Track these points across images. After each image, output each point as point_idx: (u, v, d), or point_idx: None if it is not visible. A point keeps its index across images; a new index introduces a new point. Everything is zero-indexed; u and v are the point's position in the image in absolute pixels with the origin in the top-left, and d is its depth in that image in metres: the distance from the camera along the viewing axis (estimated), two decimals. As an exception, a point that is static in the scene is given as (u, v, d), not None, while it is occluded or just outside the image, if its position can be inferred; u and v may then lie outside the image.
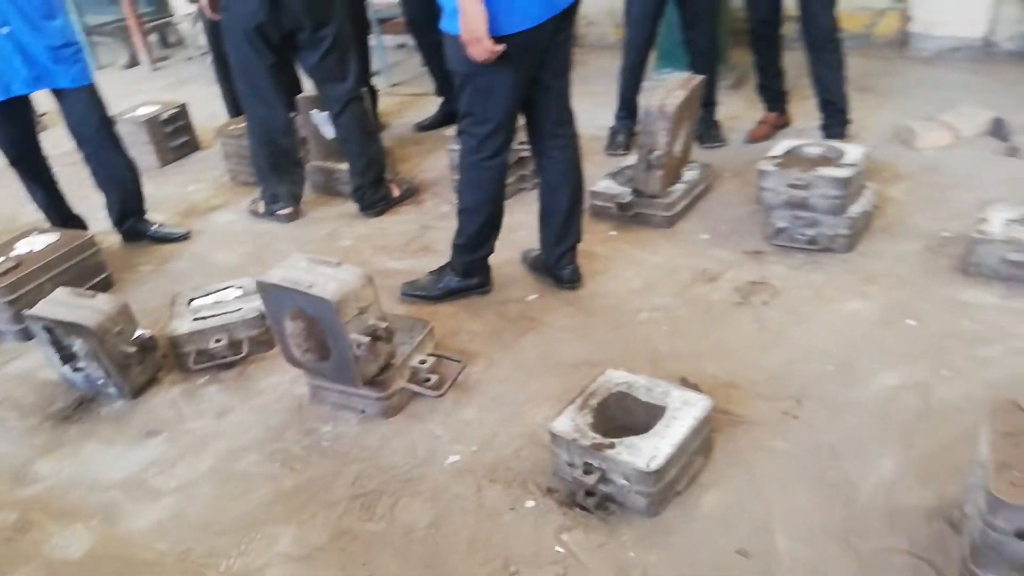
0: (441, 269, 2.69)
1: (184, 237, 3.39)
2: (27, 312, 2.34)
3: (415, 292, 2.70)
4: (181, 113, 4.39)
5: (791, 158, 2.75)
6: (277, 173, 3.37)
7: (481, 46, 2.09)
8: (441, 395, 2.17)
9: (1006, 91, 3.81)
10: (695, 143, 3.38)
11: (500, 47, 2.11)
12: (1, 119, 2.99)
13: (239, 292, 2.60)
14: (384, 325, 2.08)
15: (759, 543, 1.65)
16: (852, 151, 2.72)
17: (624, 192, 2.99)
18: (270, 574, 1.74)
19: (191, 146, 4.43)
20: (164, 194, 3.83)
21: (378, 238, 3.19)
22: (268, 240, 3.30)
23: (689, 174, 3.09)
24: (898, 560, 1.58)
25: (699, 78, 2.99)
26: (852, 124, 3.38)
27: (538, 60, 2.30)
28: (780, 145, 2.83)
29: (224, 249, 3.29)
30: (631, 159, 3.11)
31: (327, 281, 1.99)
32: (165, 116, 4.27)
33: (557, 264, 2.64)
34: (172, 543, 1.85)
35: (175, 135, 4.34)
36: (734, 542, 1.66)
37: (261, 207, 3.48)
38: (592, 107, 4.13)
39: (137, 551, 1.85)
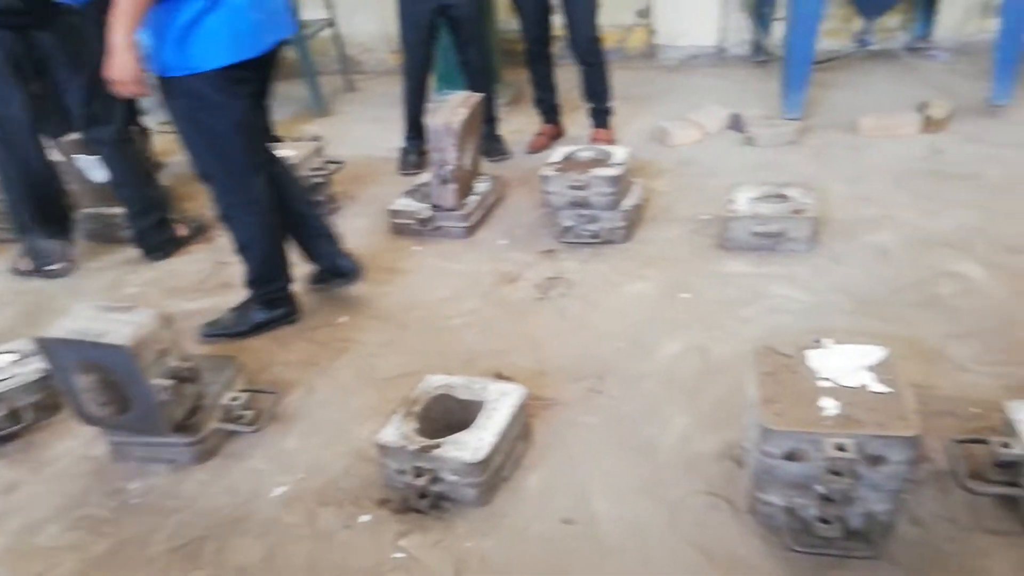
0: (244, 304, 2.62)
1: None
2: None
3: (218, 332, 2.60)
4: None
5: (568, 163, 3.00)
6: (42, 224, 3.09)
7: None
8: (258, 430, 2.12)
9: (739, 90, 4.40)
10: (482, 157, 3.56)
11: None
12: None
13: (13, 357, 2.36)
14: (188, 366, 2.00)
15: (581, 510, 1.80)
16: (618, 152, 3.02)
17: (423, 208, 3.09)
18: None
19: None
20: None
21: (169, 280, 3.03)
22: (39, 298, 3.01)
23: (481, 186, 3.25)
24: (698, 501, 1.79)
25: (478, 96, 3.17)
26: (613, 118, 3.77)
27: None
28: (557, 152, 3.08)
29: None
30: (425, 176, 3.22)
31: (120, 327, 1.88)
32: None
33: (336, 264, 2.68)
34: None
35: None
36: (559, 513, 1.79)
37: (27, 264, 3.17)
38: (381, 131, 4.24)
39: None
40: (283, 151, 3.25)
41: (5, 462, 2.16)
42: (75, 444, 2.18)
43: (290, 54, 4.61)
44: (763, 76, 4.57)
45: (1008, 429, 1.71)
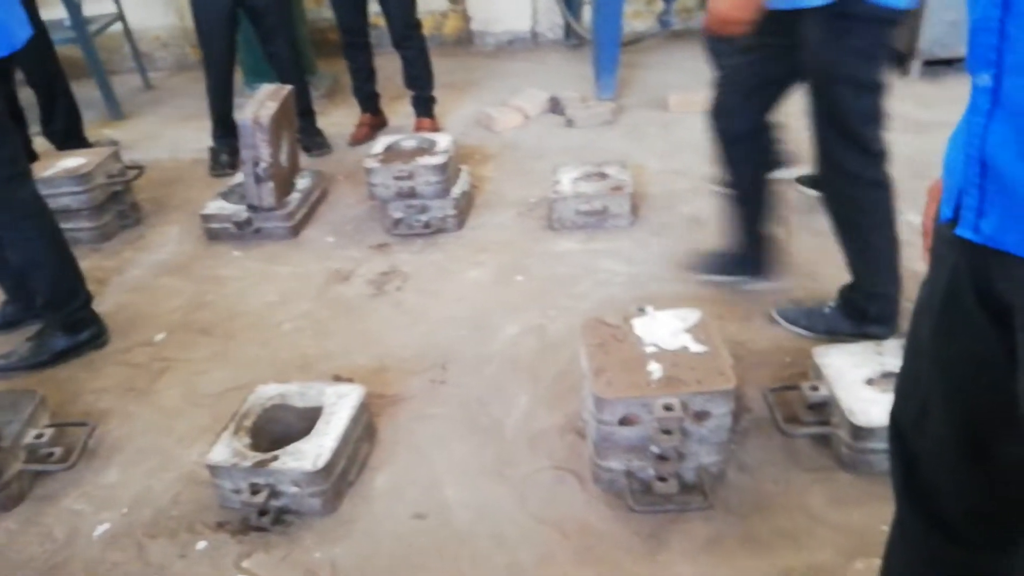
0: (41, 332, 2.36)
1: None
2: None
3: (14, 365, 2.32)
4: None
5: (392, 153, 2.95)
6: None
7: None
8: (71, 466, 1.92)
9: (555, 73, 4.52)
10: (302, 153, 3.43)
11: None
12: None
13: None
14: (-23, 406, 1.77)
15: (432, 502, 1.78)
16: (442, 139, 3.01)
17: (239, 210, 2.92)
18: None
19: None
20: None
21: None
22: None
23: (302, 182, 3.13)
24: (546, 476, 1.83)
25: (288, 88, 3.03)
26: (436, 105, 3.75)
27: None
28: (380, 143, 3.02)
29: None
30: (239, 176, 3.04)
31: None
32: None
33: None
34: None
35: None
36: (410, 509, 1.77)
37: None
38: (188, 131, 3.97)
39: None
40: (68, 163, 2.96)
41: None
42: None
43: (75, 53, 4.20)
44: (577, 59, 4.72)
45: (816, 373, 1.89)
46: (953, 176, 0.84)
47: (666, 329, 1.78)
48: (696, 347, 1.73)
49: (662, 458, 1.68)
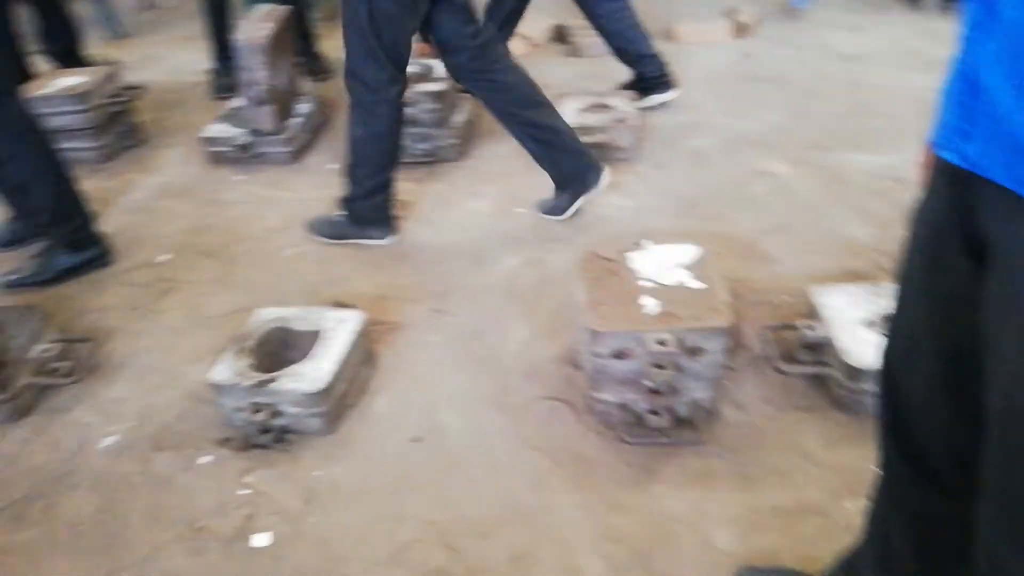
0: (47, 250, 2.38)
1: None
2: None
3: (20, 281, 2.36)
4: None
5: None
6: None
7: None
8: (77, 381, 1.97)
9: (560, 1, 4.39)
10: (304, 77, 3.37)
11: None
12: None
13: None
14: (-14, 320, 1.81)
15: (430, 427, 1.83)
16: (440, 66, 2.94)
17: (240, 133, 2.90)
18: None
19: None
20: None
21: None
22: None
23: (303, 107, 3.09)
24: (541, 406, 1.88)
25: (285, 9, 2.97)
26: None
27: None
28: None
29: None
30: (239, 100, 3.00)
31: None
32: None
33: None
34: None
35: None
36: (407, 432, 1.82)
37: None
38: (190, 52, 3.89)
39: None
40: (67, 81, 2.93)
41: None
42: None
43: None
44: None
45: (813, 313, 1.90)
46: (946, 98, 0.82)
47: (663, 264, 1.80)
48: (693, 283, 1.75)
49: (655, 392, 1.72)
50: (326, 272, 2.38)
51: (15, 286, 2.35)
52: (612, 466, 1.71)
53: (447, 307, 2.21)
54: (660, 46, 3.71)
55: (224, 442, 1.81)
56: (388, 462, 1.75)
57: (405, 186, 2.76)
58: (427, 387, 1.95)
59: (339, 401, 1.82)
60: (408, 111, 2.76)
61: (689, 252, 1.84)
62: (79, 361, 2.02)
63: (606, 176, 2.48)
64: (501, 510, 1.61)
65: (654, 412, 1.73)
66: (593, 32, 3.31)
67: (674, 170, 2.78)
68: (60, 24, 3.44)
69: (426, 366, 2.01)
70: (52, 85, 2.92)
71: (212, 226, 2.63)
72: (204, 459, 1.78)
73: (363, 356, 1.95)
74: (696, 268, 1.79)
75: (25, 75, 2.92)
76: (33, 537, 1.63)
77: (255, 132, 2.87)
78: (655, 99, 3.14)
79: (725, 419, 1.79)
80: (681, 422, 1.75)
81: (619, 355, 1.68)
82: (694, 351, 1.67)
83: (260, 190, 2.81)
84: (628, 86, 3.17)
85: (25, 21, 3.13)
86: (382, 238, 2.47)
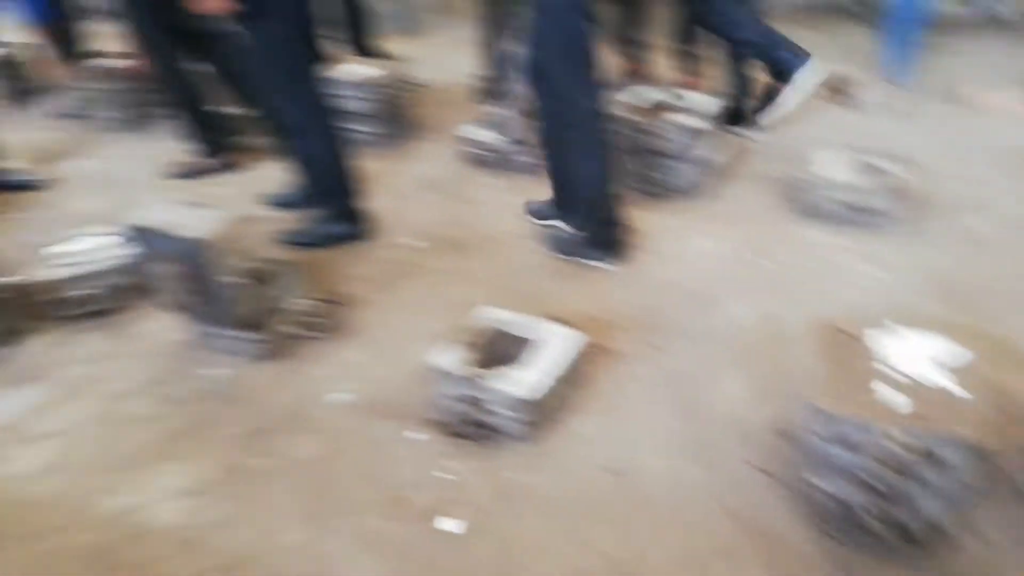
0: (320, 217, 2.69)
1: (39, 185, 3.18)
2: None
3: (295, 239, 2.68)
4: (16, 55, 4.04)
5: (646, 106, 2.90)
6: (206, 123, 3.19)
7: None
8: (322, 337, 2.20)
9: (832, 44, 4.15)
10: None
11: None
12: None
13: (107, 238, 2.49)
14: (261, 267, 2.09)
15: (625, 461, 1.82)
16: (702, 101, 2.90)
17: (500, 139, 3.07)
18: (162, 508, 1.76)
19: (38, 88, 4.10)
20: (13, 139, 3.54)
21: (254, 185, 3.12)
22: (131, 189, 3.15)
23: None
24: (743, 470, 1.79)
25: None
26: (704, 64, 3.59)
27: None
28: (631, 92, 2.96)
29: (86, 197, 3.12)
30: (503, 108, 3.17)
31: (200, 224, 1.97)
32: (15, 54, 3.94)
33: None
34: (58, 484, 1.84)
35: (16, 77, 4.01)
36: (601, 460, 1.82)
37: (193, 161, 3.26)
38: (469, 56, 4.18)
39: (23, 492, 1.83)
40: (358, 69, 3.27)
41: (100, 334, 2.33)
42: (159, 326, 2.31)
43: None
44: (858, 32, 4.29)
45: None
46: None
47: (914, 354, 1.63)
48: (947, 384, 1.57)
49: (876, 491, 1.56)
50: (551, 285, 2.45)
51: (287, 243, 2.68)
52: (810, 557, 1.58)
53: (662, 344, 2.18)
54: (948, 110, 3.40)
55: (432, 423, 1.94)
56: (580, 485, 1.77)
57: (641, 215, 2.78)
58: (630, 421, 1.94)
59: (545, 413, 1.87)
60: (652, 140, 2.77)
61: (947, 345, 1.65)
62: (326, 320, 2.26)
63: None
64: (682, 566, 1.57)
65: (872, 513, 1.57)
66: (868, 84, 3.10)
67: (942, 249, 2.52)
68: (357, 15, 3.85)
69: (632, 400, 2.00)
70: (345, 71, 3.28)
71: (458, 220, 2.81)
72: (412, 434, 1.91)
73: (574, 375, 1.99)
74: (954, 365, 1.61)
75: (319, 56, 3.32)
76: (265, 466, 1.85)
77: (511, 140, 3.03)
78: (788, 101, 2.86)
79: (959, 547, 1.57)
80: (901, 532, 1.57)
81: (842, 442, 1.55)
82: (932, 460, 1.50)
83: (506, 195, 2.96)
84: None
85: (323, 6, 3.55)
86: (607, 262, 2.49)
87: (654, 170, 2.84)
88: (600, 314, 2.30)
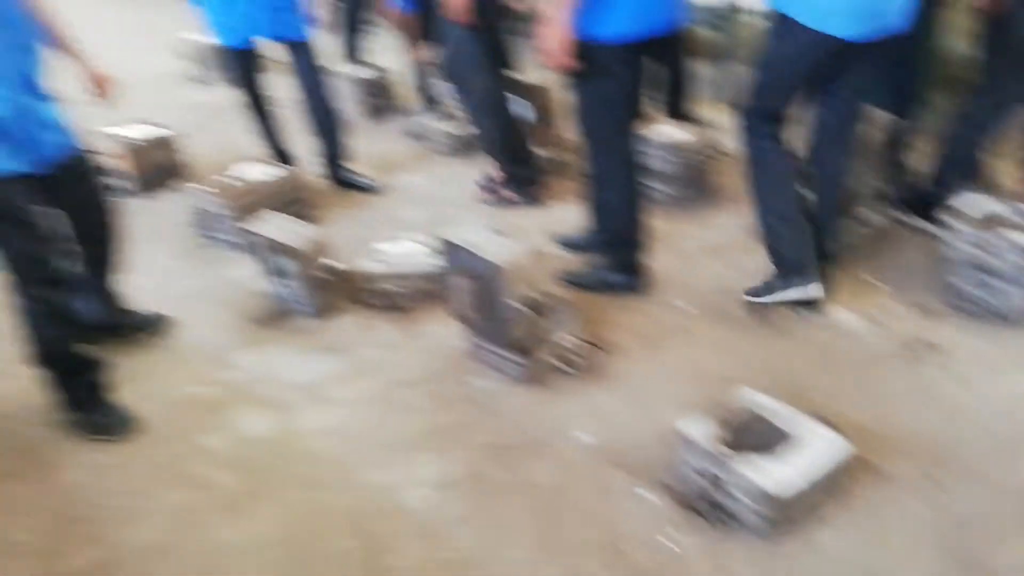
0: (600, 262, 2.81)
1: (376, 189, 3.72)
2: (248, 228, 2.70)
3: (575, 279, 2.83)
4: (385, 78, 4.79)
5: (984, 216, 2.61)
6: (514, 151, 3.44)
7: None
8: (578, 375, 2.31)
9: None
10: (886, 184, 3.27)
11: None
12: (242, 63, 3.44)
13: (420, 246, 2.84)
14: (540, 300, 2.24)
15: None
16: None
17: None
18: (411, 492, 1.98)
19: (392, 108, 4.82)
20: (366, 149, 4.16)
21: (549, 223, 3.34)
22: (448, 206, 3.55)
23: (869, 215, 3.01)
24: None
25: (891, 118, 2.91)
26: None
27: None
28: (968, 200, 2.67)
29: (410, 207, 3.58)
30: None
31: (500, 250, 2.18)
32: (372, 78, 4.68)
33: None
34: (334, 446, 2.15)
35: (379, 96, 4.75)
36: (843, 583, 1.67)
37: (500, 188, 3.51)
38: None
39: (305, 445, 2.17)
40: (669, 131, 3.35)
41: (394, 326, 2.67)
42: (444, 332, 2.57)
43: (713, 35, 4.65)
44: None
45: None
46: None
47: None
48: None
49: None
50: (825, 379, 2.30)
51: (568, 282, 2.83)
52: None
53: (942, 479, 1.94)
54: None
55: (667, 488, 1.92)
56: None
57: (948, 331, 2.50)
58: (885, 552, 1.75)
59: (789, 514, 1.76)
60: (988, 258, 2.48)
61: None
62: (586, 360, 2.35)
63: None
64: None
65: None
66: None
67: None
68: (677, 79, 3.94)
69: (893, 530, 1.81)
70: (658, 131, 3.40)
71: (735, 292, 2.75)
72: (644, 492, 1.92)
73: (830, 484, 1.85)
74: None
75: (638, 114, 3.45)
76: (505, 479, 1.99)
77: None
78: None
79: None
80: None
81: None
82: None
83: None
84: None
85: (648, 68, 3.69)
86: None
87: (978, 288, 2.55)
88: (876, 426, 2.11)
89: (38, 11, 2.15)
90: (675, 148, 3.31)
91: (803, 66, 2.35)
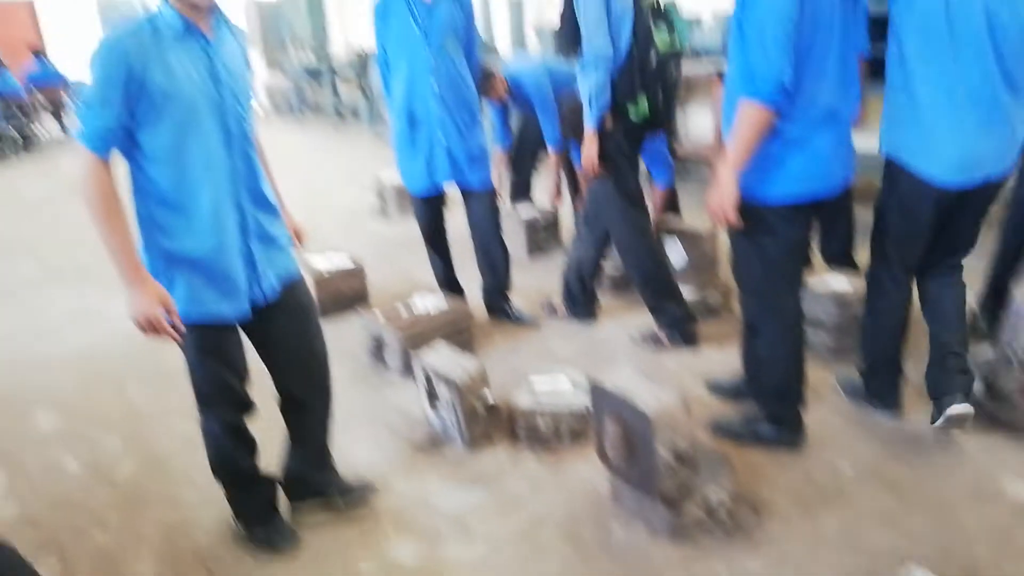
0: (755, 413, 2.75)
1: (535, 323, 3.90)
2: (416, 356, 2.94)
3: (725, 429, 2.79)
4: (554, 217, 5.11)
5: None
6: (662, 290, 3.52)
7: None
8: (727, 535, 2.23)
9: None
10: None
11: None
12: (426, 206, 3.81)
13: (573, 384, 2.93)
14: (689, 451, 2.23)
15: None
16: None
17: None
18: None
19: (554, 244, 5.10)
20: (524, 283, 4.41)
21: (701, 367, 3.35)
22: (604, 345, 3.65)
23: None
24: None
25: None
26: None
27: None
28: None
29: (565, 342, 3.72)
30: (987, 350, 2.86)
31: (649, 397, 2.22)
32: (541, 219, 5.01)
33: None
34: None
35: (545, 234, 5.05)
36: None
37: (661, 335, 3.57)
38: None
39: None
40: (830, 280, 3.30)
41: (540, 462, 2.74)
42: (589, 472, 2.60)
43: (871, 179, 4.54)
44: None
45: None
46: None
47: None
48: None
49: None
50: (1006, 565, 2.08)
51: (718, 431, 2.79)
52: None
53: None
54: None
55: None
56: None
57: None
58: None
59: None
60: None
61: None
62: (734, 519, 2.28)
63: None
64: None
65: None
66: None
67: None
68: (841, 228, 3.86)
69: None
70: (822, 282, 3.35)
71: (901, 457, 2.58)
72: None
73: None
74: None
75: (806, 263, 3.43)
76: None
77: (990, 389, 2.71)
78: None
79: None
80: None
81: None
82: None
83: (969, 444, 2.63)
84: None
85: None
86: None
87: None
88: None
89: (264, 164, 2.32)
90: (836, 298, 3.25)
91: (916, 216, 2.46)
